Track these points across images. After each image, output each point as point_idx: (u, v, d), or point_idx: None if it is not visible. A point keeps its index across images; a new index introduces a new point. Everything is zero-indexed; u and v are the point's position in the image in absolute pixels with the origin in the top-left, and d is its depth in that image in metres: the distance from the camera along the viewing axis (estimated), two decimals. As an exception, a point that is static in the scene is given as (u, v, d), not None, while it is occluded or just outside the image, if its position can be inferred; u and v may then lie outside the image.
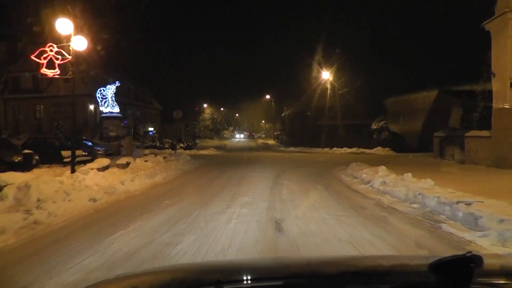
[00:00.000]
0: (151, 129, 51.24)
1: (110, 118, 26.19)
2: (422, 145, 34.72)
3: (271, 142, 61.03)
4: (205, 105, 71.20)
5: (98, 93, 25.83)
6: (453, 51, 43.83)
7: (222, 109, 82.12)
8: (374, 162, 19.38)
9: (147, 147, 35.71)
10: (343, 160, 23.12)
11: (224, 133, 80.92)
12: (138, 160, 17.00)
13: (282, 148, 42.72)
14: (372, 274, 1.54)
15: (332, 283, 1.41)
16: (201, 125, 68.57)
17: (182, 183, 12.74)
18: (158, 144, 36.22)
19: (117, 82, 26.24)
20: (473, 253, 1.14)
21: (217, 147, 42.65)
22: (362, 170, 12.89)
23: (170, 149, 35.43)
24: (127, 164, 16.10)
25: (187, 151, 34.92)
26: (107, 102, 25.86)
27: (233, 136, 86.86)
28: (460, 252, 1.14)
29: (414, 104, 39.28)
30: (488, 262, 1.31)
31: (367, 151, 33.06)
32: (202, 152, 34.83)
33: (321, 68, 35.96)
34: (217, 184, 11.98)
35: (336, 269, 1.55)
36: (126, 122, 40.08)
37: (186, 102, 68.20)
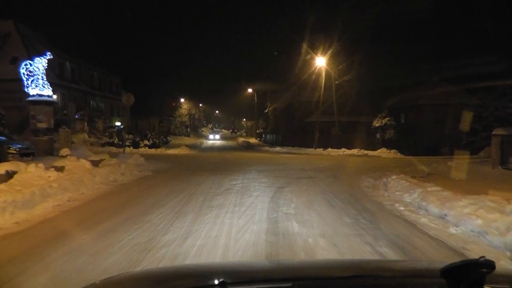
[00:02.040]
0: (118, 123, 43.52)
1: (39, 103, 18.57)
2: (430, 146, 28.47)
3: (253, 140, 53.80)
4: (182, 100, 63.44)
5: (23, 68, 18.19)
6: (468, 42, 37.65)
7: (200, 105, 74.48)
8: (410, 171, 12.63)
9: (103, 145, 28.42)
10: (356, 166, 16.36)
11: (203, 130, 73.01)
12: (34, 167, 9.68)
13: (267, 148, 35.71)
14: (383, 277, 1.43)
15: (341, 285, 1.31)
16: (178, 121, 60.92)
17: (70, 227, 5.58)
18: (116, 141, 28.69)
19: (47, 53, 18.64)
20: (486, 258, 1.07)
21: (191, 146, 35.48)
22: (453, 203, 6.00)
23: (132, 147, 28.38)
24: (8, 174, 8.88)
25: (153, 150, 27.91)
26: (36, 81, 18.31)
27: (207, 137, 61.46)
28: None
29: (419, 100, 32.97)
30: (499, 267, 1.17)
31: (370, 153, 26.47)
32: (171, 151, 27.78)
33: (315, 54, 29.10)
34: (140, 236, 4.91)
35: (345, 272, 1.44)
36: (77, 115, 32.37)
37: (162, 95, 60.66)
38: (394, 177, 9.62)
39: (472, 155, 25.53)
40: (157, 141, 31.96)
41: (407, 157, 24.54)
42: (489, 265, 1.05)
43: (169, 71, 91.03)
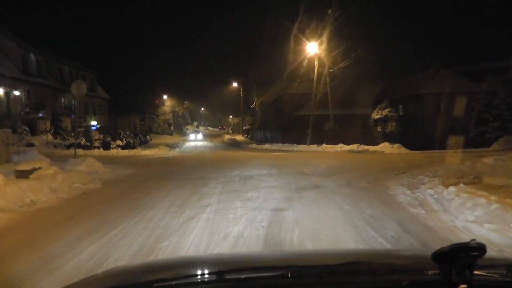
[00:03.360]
0: (93, 122, 39.30)
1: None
2: (435, 139, 25.26)
3: (239, 138, 50.09)
4: (165, 97, 59.18)
5: None
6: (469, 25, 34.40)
7: (185, 102, 70.23)
8: (441, 172, 9.07)
9: (69, 146, 24.42)
10: (367, 166, 12.73)
11: (187, 128, 68.87)
12: None
13: (255, 146, 32.06)
14: (376, 263, 1.42)
15: (338, 272, 1.29)
16: (160, 119, 56.81)
17: None
18: (83, 142, 24.73)
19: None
20: (477, 241, 1.03)
21: (171, 145, 31.71)
22: None
23: (102, 149, 24.58)
24: None
25: (126, 151, 24.12)
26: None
27: (187, 137, 51.93)
28: None
29: (419, 89, 29.72)
30: (490, 250, 1.18)
31: (372, 148, 23.05)
32: (146, 152, 24.12)
33: (306, 39, 25.46)
34: None
35: (341, 261, 1.41)
36: (40, 114, 28.12)
37: (143, 92, 56.26)
38: (452, 188, 6.08)
39: (483, 147, 22.40)
40: (131, 141, 28.02)
41: (414, 152, 21.23)
42: (480, 248, 1.02)
43: (152, 67, 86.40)
